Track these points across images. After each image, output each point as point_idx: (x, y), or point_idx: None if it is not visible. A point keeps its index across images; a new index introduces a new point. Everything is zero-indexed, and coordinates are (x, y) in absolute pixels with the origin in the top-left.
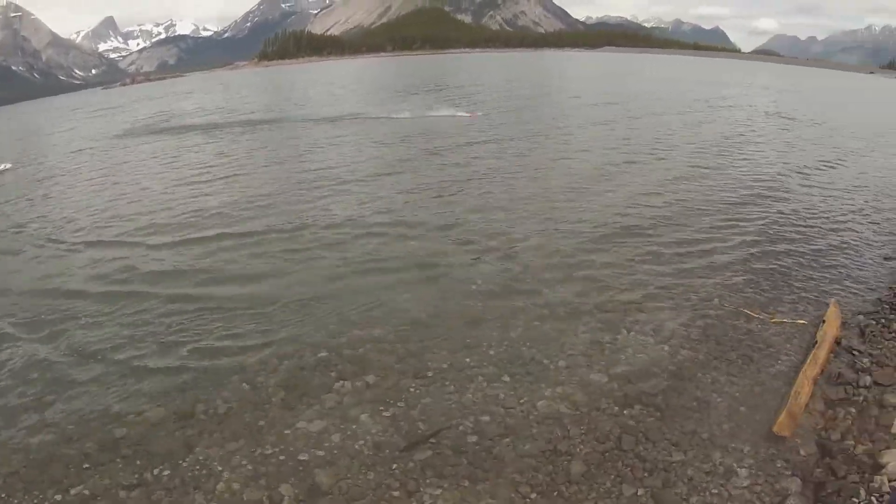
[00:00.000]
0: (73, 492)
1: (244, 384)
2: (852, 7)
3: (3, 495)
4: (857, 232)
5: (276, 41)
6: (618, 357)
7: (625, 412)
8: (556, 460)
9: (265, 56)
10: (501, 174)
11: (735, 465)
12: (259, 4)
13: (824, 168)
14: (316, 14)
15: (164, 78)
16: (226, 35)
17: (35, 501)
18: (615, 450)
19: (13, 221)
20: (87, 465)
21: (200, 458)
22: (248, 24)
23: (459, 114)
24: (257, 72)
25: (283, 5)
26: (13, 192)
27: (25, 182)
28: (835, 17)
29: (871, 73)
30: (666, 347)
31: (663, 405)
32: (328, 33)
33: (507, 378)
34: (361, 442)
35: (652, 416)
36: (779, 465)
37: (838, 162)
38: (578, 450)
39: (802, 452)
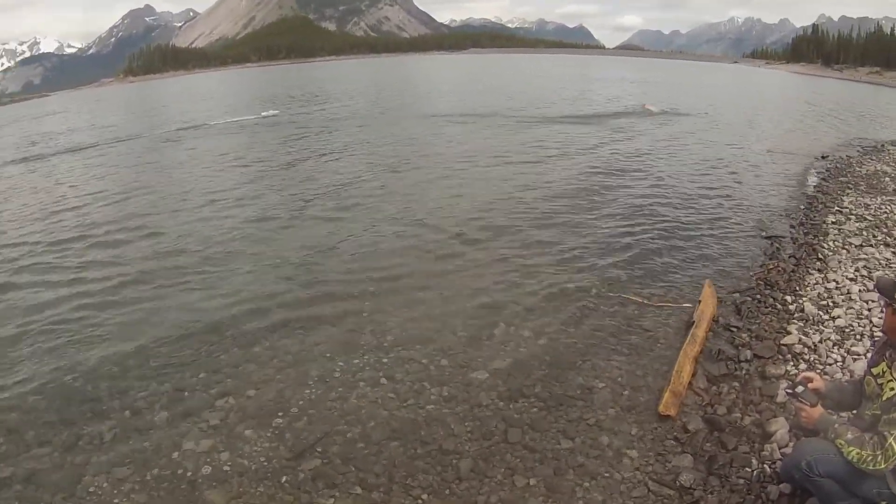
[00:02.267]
0: None
1: (126, 411)
2: (716, 0)
3: None
4: (727, 213)
5: (142, 56)
6: (497, 353)
7: (509, 406)
8: (445, 459)
9: (131, 71)
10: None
11: (624, 447)
12: (123, 19)
13: (692, 154)
14: (180, 26)
15: (30, 98)
16: (91, 51)
17: None
18: (502, 443)
19: None
20: None
21: (90, 487)
22: (113, 40)
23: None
24: (124, 88)
25: (146, 19)
26: None
27: None
28: (698, 11)
29: (735, 62)
30: (543, 339)
31: (546, 395)
32: (193, 45)
33: (387, 382)
34: (250, 457)
35: (535, 407)
36: (668, 444)
37: (705, 147)
38: (466, 447)
39: (691, 429)
